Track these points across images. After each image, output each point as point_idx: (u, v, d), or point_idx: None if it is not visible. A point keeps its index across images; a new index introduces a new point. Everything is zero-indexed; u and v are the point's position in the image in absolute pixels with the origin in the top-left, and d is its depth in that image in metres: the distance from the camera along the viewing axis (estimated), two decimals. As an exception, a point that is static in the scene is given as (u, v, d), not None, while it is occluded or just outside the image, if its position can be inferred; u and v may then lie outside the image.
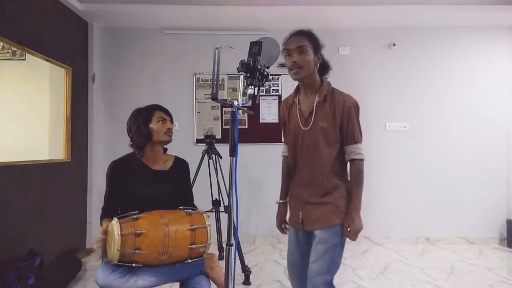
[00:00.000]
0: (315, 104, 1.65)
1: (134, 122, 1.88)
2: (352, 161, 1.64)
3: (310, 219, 1.67)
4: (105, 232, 1.66)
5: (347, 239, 1.66)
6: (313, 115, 1.65)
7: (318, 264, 1.59)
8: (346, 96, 1.66)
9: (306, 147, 1.67)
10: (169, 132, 1.88)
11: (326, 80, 1.73)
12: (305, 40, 1.62)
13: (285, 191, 1.84)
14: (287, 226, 1.84)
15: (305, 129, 1.67)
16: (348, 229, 1.59)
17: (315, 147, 1.65)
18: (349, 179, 1.70)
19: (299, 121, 1.70)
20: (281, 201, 1.85)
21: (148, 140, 1.85)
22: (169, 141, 1.90)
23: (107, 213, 1.78)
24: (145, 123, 1.85)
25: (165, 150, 1.99)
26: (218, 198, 3.26)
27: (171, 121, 1.93)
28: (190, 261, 1.70)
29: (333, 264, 1.62)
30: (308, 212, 1.68)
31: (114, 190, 1.82)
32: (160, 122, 1.86)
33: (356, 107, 1.66)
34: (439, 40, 4.23)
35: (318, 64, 1.66)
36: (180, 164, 1.98)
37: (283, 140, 1.89)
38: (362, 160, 1.64)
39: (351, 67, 4.20)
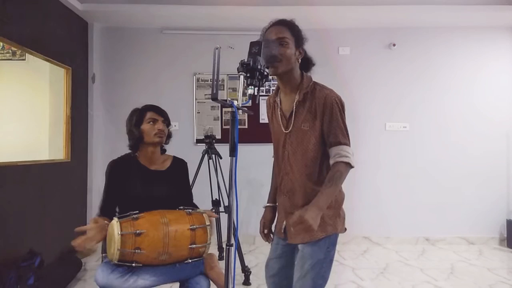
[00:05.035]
0: (294, 104, 1.51)
1: (128, 122, 1.89)
2: (334, 164, 1.43)
3: (293, 231, 1.50)
4: (96, 221, 1.67)
5: (334, 250, 1.51)
6: (293, 116, 1.51)
7: (301, 283, 1.45)
8: (328, 92, 1.48)
9: (288, 152, 1.53)
10: (159, 133, 1.84)
11: (308, 75, 1.55)
12: (286, 32, 1.45)
13: (273, 194, 1.70)
14: (271, 234, 1.69)
15: (286, 132, 1.53)
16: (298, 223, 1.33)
17: (297, 152, 1.50)
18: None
19: (281, 123, 1.56)
20: (267, 204, 1.71)
21: (140, 141, 1.85)
22: (160, 142, 1.87)
23: (104, 213, 1.78)
24: (136, 124, 1.84)
25: (164, 150, 1.99)
26: (218, 198, 3.26)
27: (165, 121, 1.90)
28: (190, 261, 1.70)
29: (319, 281, 1.45)
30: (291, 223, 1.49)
31: (112, 189, 1.82)
32: (151, 123, 1.84)
33: (340, 103, 1.47)
34: (439, 40, 4.23)
35: (299, 59, 1.51)
36: (179, 164, 1.98)
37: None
38: (348, 164, 1.42)
39: (351, 67, 4.21)
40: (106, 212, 1.79)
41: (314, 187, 1.48)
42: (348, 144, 1.45)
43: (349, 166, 1.43)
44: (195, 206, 1.92)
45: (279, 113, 1.58)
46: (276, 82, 1.59)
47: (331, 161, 1.45)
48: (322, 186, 1.42)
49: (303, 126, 1.48)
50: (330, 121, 1.45)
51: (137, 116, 1.86)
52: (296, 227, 1.35)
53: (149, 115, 1.86)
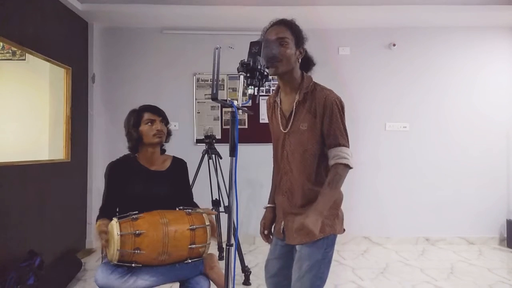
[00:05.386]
0: (294, 104, 1.50)
1: (126, 124, 1.88)
2: (333, 166, 1.43)
3: (291, 232, 1.50)
4: (105, 231, 1.66)
5: (333, 250, 1.50)
6: (292, 116, 1.51)
7: (299, 284, 1.45)
8: (328, 92, 1.48)
9: (287, 152, 1.53)
10: (158, 133, 1.83)
11: (308, 75, 1.55)
12: (286, 32, 1.45)
13: (274, 195, 1.69)
14: (271, 235, 1.68)
15: (286, 132, 1.53)
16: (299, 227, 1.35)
17: (295, 152, 1.50)
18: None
19: (280, 123, 1.56)
20: (268, 205, 1.70)
21: (139, 142, 1.85)
22: (159, 143, 1.86)
23: (105, 214, 1.78)
24: (135, 126, 1.84)
25: (163, 151, 1.99)
26: (218, 198, 3.26)
27: (164, 121, 1.89)
28: (189, 261, 1.70)
29: (317, 281, 1.45)
30: (289, 223, 1.52)
31: (112, 191, 1.82)
32: (149, 124, 1.84)
33: (339, 104, 1.47)
34: (439, 40, 4.23)
35: (299, 59, 1.51)
36: (178, 164, 1.98)
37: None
38: (346, 165, 1.42)
39: (351, 67, 4.21)
40: (107, 213, 1.79)
41: (313, 187, 1.48)
42: (347, 146, 1.45)
43: (347, 167, 1.43)
44: (195, 206, 1.93)
45: (279, 113, 1.58)
46: (277, 82, 1.59)
47: (330, 163, 1.45)
48: (322, 189, 1.42)
49: (302, 126, 1.48)
50: (330, 122, 1.45)
51: (135, 118, 1.86)
52: (298, 233, 1.37)
53: (146, 116, 1.85)
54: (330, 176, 1.42)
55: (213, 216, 1.87)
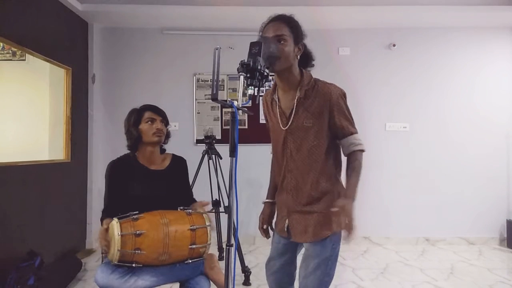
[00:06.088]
0: (295, 101, 1.49)
1: (126, 123, 1.89)
2: (351, 153, 1.48)
3: (297, 230, 1.51)
4: (107, 231, 1.66)
5: (339, 246, 1.51)
6: (294, 113, 1.50)
7: (308, 281, 1.46)
8: (332, 87, 1.49)
9: (290, 149, 1.52)
10: (158, 132, 1.84)
11: (307, 72, 1.54)
12: (285, 28, 1.45)
13: (272, 190, 1.70)
14: (270, 230, 1.70)
15: (287, 129, 1.52)
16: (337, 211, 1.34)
17: (299, 149, 1.50)
18: (342, 180, 1.54)
19: (280, 121, 1.54)
20: (266, 200, 1.71)
21: (139, 141, 1.85)
22: (159, 142, 1.87)
23: (108, 214, 1.77)
24: (135, 124, 1.85)
25: (163, 150, 1.99)
26: (218, 199, 3.26)
27: (164, 121, 1.90)
28: (190, 261, 1.70)
29: (325, 278, 1.47)
30: (294, 222, 1.52)
31: (114, 190, 1.82)
32: (149, 122, 1.85)
33: (344, 96, 1.51)
34: (439, 41, 4.23)
35: (298, 56, 1.49)
36: (178, 162, 1.98)
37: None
38: (363, 151, 1.49)
39: (351, 67, 4.20)
40: (110, 214, 1.77)
41: (322, 182, 1.49)
42: (357, 132, 1.51)
43: (363, 152, 1.49)
44: (194, 201, 1.94)
45: (278, 110, 1.56)
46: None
47: (347, 151, 1.50)
48: (347, 177, 1.46)
49: (306, 122, 1.48)
50: (339, 117, 1.48)
51: (135, 116, 1.87)
52: (343, 220, 1.33)
53: (147, 114, 1.86)
54: (352, 163, 1.47)
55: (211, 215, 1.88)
